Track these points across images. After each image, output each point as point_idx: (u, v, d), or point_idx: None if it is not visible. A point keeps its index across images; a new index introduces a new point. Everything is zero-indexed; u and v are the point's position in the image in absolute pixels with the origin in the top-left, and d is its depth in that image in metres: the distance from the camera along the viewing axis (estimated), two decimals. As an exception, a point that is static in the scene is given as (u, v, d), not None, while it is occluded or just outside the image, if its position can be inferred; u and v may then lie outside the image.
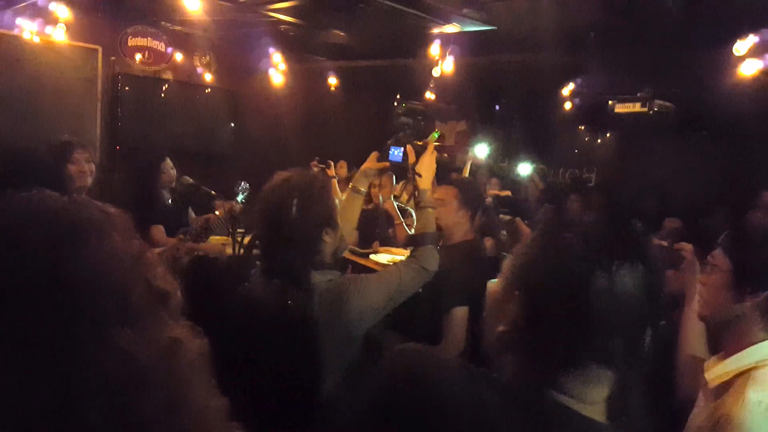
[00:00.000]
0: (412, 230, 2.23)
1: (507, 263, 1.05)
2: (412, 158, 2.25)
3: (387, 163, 2.17)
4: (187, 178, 4.30)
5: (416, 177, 2.20)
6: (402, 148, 2.10)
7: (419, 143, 3.06)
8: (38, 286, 0.55)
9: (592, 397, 0.93)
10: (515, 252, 1.05)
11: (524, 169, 7.00)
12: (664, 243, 2.22)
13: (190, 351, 0.63)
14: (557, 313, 0.90)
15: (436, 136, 3.10)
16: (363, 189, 2.16)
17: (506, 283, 1.00)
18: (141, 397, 0.56)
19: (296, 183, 1.80)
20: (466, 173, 5.41)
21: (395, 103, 2.60)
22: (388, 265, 3.54)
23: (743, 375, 1.40)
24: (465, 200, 2.83)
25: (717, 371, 1.46)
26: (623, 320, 0.90)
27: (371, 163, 2.17)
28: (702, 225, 4.63)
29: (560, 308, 0.90)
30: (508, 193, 2.75)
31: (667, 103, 5.54)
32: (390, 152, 2.11)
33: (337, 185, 5.18)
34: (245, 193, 4.87)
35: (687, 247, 2.02)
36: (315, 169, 5.35)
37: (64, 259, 0.56)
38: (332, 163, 5.23)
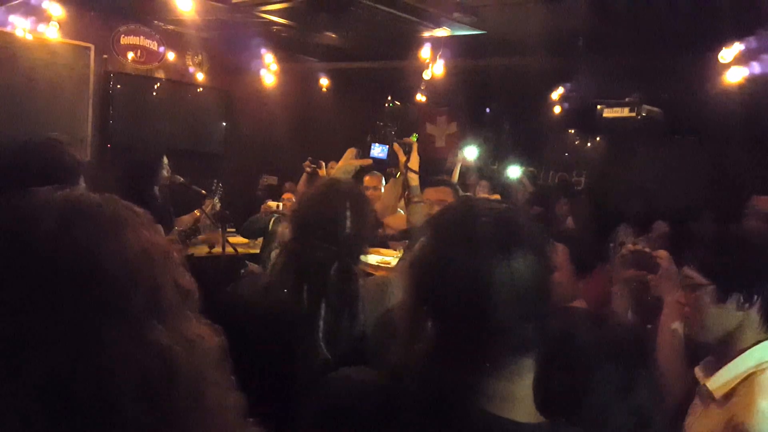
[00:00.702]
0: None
1: (401, 274, 1.00)
2: (402, 157, 2.27)
3: (370, 160, 2.18)
4: (178, 177, 4.31)
5: (409, 174, 2.22)
6: (386, 146, 2.10)
7: (399, 142, 3.10)
8: (82, 280, 0.56)
9: (518, 391, 0.90)
10: (407, 259, 1.00)
11: (514, 171, 7.06)
12: (647, 249, 2.26)
13: (211, 348, 0.64)
14: (462, 312, 0.87)
15: (414, 139, 3.14)
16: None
17: (408, 296, 0.96)
18: (172, 391, 0.58)
19: (346, 191, 1.78)
20: (456, 175, 5.46)
21: (387, 104, 2.62)
22: (378, 266, 3.58)
23: (747, 380, 1.41)
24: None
25: (720, 380, 1.46)
26: (527, 304, 0.87)
27: (349, 161, 2.18)
28: (688, 229, 4.69)
29: (464, 307, 0.87)
30: (497, 196, 2.78)
31: (655, 109, 5.61)
32: (371, 148, 2.11)
33: None
34: (220, 193, 4.89)
35: (663, 255, 2.03)
36: (307, 169, 5.38)
37: (106, 253, 0.57)
38: (324, 163, 5.25)
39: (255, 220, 4.79)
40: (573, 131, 8.20)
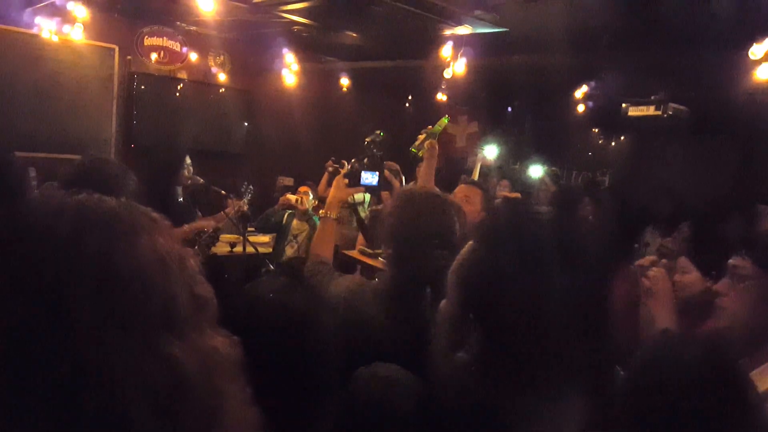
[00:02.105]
0: None
1: (450, 279, 0.95)
2: (395, 183, 2.30)
3: (362, 188, 2.19)
4: (198, 178, 4.34)
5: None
6: (376, 173, 2.13)
7: (431, 128, 3.09)
8: (94, 287, 0.54)
9: (564, 414, 0.84)
10: (456, 265, 0.96)
11: (535, 171, 6.97)
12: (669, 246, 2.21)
13: (228, 361, 0.62)
14: (512, 326, 0.81)
15: (446, 121, 3.12)
16: (335, 215, 2.17)
17: (455, 302, 0.92)
18: (185, 406, 0.56)
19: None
20: (476, 175, 5.42)
21: (378, 132, 2.64)
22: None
23: None
24: (488, 202, 2.86)
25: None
26: (581, 324, 0.81)
27: (343, 191, 2.20)
28: (717, 230, 4.59)
29: (514, 321, 0.81)
30: (517, 195, 2.74)
31: (682, 107, 5.49)
32: (362, 178, 2.12)
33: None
34: (249, 195, 4.93)
35: (658, 273, 1.96)
36: (329, 169, 5.39)
37: (120, 259, 0.56)
38: (346, 163, 5.26)
39: (270, 214, 4.81)
40: (597, 130, 8.08)
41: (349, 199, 5.32)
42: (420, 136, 3.03)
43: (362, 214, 5.32)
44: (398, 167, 3.37)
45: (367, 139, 2.38)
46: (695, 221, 4.91)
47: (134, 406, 0.53)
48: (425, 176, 3.23)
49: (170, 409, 0.55)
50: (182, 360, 0.56)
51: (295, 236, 4.36)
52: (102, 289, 0.54)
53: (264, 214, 4.87)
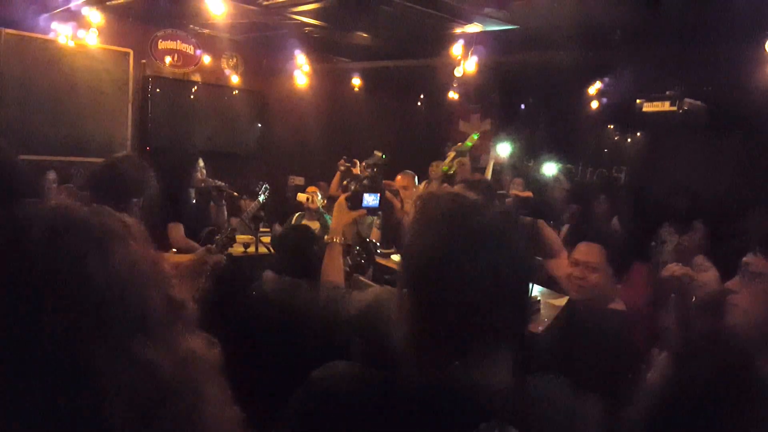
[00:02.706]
0: None
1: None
2: (397, 203, 2.31)
3: (364, 211, 2.20)
4: (210, 180, 4.38)
5: (405, 218, 2.24)
6: (377, 194, 2.15)
7: (460, 145, 3.11)
8: (68, 292, 0.54)
9: (495, 382, 0.90)
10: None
11: (549, 169, 6.92)
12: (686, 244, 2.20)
13: (206, 362, 0.63)
14: (443, 297, 0.89)
15: (476, 137, 3.13)
16: (340, 240, 2.17)
17: (399, 283, 0.99)
18: (162, 408, 0.56)
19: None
20: (489, 173, 5.38)
21: (379, 154, 2.66)
22: None
23: None
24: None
25: None
26: (504, 295, 0.89)
27: (346, 214, 2.21)
28: (734, 228, 4.52)
29: (444, 292, 0.88)
30: (528, 194, 2.73)
31: (698, 102, 5.41)
32: (364, 200, 2.14)
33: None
34: (265, 194, 4.95)
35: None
36: (341, 167, 5.41)
37: (93, 265, 0.56)
38: (358, 162, 5.29)
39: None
40: (612, 127, 7.99)
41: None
42: (450, 153, 3.04)
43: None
44: (398, 187, 3.37)
45: (366, 162, 2.42)
46: (712, 219, 4.84)
47: (111, 409, 0.53)
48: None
49: (147, 411, 0.55)
50: (158, 363, 0.56)
51: None
52: (75, 296, 0.54)
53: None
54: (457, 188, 3.27)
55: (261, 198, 4.93)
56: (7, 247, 0.56)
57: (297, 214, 4.58)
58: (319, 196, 4.56)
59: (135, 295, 0.58)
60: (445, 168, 3.00)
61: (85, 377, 0.53)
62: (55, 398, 0.52)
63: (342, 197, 2.27)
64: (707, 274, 3.30)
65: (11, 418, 0.51)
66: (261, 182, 5.01)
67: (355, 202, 2.18)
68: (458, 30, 4.66)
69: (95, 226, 0.60)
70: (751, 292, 1.50)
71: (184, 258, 3.50)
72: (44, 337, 0.52)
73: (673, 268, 2.22)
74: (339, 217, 2.20)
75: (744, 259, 1.61)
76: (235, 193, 4.38)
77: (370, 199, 2.16)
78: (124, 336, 0.56)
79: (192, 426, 0.58)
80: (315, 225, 4.36)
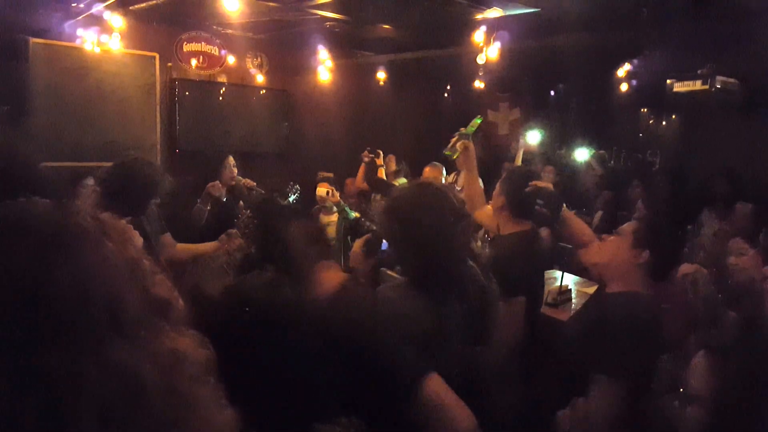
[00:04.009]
0: None
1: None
2: None
3: (375, 260, 2.27)
4: (241, 178, 4.41)
5: None
6: None
7: (463, 129, 3.05)
8: (24, 296, 0.52)
9: None
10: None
11: (581, 154, 6.78)
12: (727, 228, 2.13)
13: (194, 363, 0.59)
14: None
15: (479, 121, 3.07)
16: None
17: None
18: (138, 412, 0.53)
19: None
20: (519, 161, 5.31)
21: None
22: None
23: None
24: (500, 187, 2.77)
25: None
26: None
27: (364, 263, 2.27)
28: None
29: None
30: (548, 185, 2.65)
31: (731, 80, 5.20)
32: (384, 243, 2.19)
33: (384, 175, 5.22)
34: (296, 194, 4.96)
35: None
36: (365, 159, 5.41)
37: (49, 267, 0.53)
38: (381, 153, 5.29)
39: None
40: (645, 110, 7.78)
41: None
42: (453, 138, 2.98)
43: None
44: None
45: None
46: (753, 201, 4.65)
47: (83, 418, 0.50)
48: (467, 181, 3.16)
49: (121, 415, 0.52)
50: (131, 363, 0.53)
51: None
52: (32, 296, 0.51)
53: None
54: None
55: (291, 198, 4.94)
56: None
57: (314, 209, 4.59)
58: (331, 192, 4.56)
59: (105, 295, 0.55)
60: (447, 152, 2.94)
61: (50, 380, 0.50)
62: (8, 401, 0.49)
63: (357, 245, 2.25)
64: (745, 258, 3.18)
65: None
66: (291, 183, 5.03)
67: (371, 248, 2.17)
68: (479, 16, 4.57)
69: (52, 226, 0.57)
70: None
71: (205, 247, 3.52)
72: (5, 340, 0.50)
73: (684, 269, 2.15)
74: (355, 266, 2.22)
75: None
76: (263, 192, 4.40)
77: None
78: (89, 337, 0.53)
79: (177, 429, 0.55)
80: (332, 219, 4.36)
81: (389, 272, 2.71)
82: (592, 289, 3.70)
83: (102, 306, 0.54)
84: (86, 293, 0.54)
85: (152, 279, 0.62)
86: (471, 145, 2.91)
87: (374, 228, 2.32)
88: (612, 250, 2.23)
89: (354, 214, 4.38)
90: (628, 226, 2.22)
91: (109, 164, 2.80)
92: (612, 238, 2.30)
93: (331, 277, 1.79)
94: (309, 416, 1.06)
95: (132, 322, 0.56)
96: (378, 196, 5.57)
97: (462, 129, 2.99)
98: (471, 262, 1.90)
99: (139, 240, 0.61)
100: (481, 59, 4.37)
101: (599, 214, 5.97)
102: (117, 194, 2.58)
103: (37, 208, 0.59)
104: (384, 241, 2.14)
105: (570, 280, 4.17)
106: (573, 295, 3.93)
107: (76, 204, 0.63)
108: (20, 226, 0.56)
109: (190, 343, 0.61)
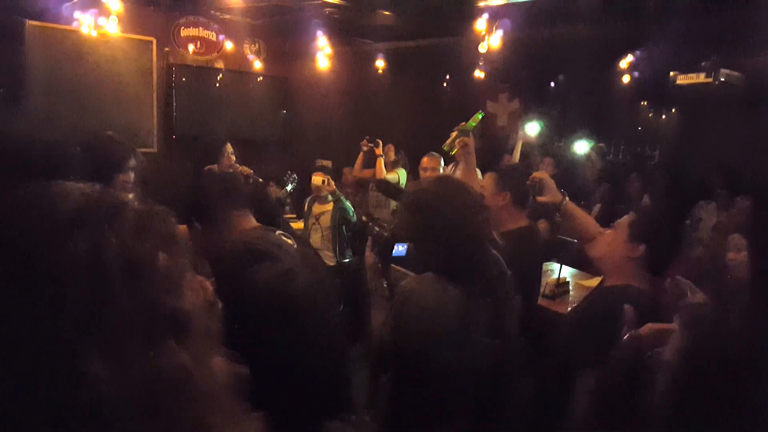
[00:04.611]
0: None
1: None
2: None
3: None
4: (238, 166, 4.36)
5: None
6: (405, 245, 2.24)
7: (463, 124, 3.00)
8: (72, 284, 0.48)
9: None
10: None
11: (581, 147, 6.74)
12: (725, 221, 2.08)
13: (207, 382, 0.54)
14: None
15: (480, 117, 3.02)
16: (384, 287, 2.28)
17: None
18: (182, 415, 0.50)
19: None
20: (517, 153, 5.26)
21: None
22: None
23: None
24: (503, 184, 2.72)
25: None
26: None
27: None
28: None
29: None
30: (544, 174, 2.61)
31: (735, 73, 5.15)
32: (395, 250, 2.23)
33: (383, 164, 5.18)
34: (294, 183, 4.92)
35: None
36: (364, 148, 5.37)
37: (108, 257, 0.50)
38: (380, 142, 5.25)
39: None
40: (645, 103, 7.73)
41: (390, 178, 5.27)
42: (452, 134, 2.92)
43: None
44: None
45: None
46: (754, 196, 4.61)
47: (125, 415, 0.47)
48: (465, 177, 3.11)
49: (166, 417, 0.49)
50: (180, 366, 0.50)
51: (317, 218, 4.37)
52: (88, 286, 0.48)
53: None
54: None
55: (289, 187, 4.90)
56: (33, 227, 0.50)
57: (308, 199, 4.55)
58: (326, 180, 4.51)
59: (81, 298, 0.49)
60: (446, 148, 2.89)
61: (85, 380, 0.47)
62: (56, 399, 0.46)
63: (368, 252, 2.25)
64: (742, 254, 3.15)
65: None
66: (289, 171, 4.99)
67: (385, 250, 2.18)
68: (481, 3, 4.51)
69: (114, 205, 0.54)
70: None
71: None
72: (41, 333, 0.46)
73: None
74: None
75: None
76: (261, 180, 4.35)
77: (400, 249, 2.18)
78: (123, 341, 0.49)
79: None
80: (327, 208, 4.33)
81: (400, 269, 2.69)
82: (591, 282, 3.68)
83: (72, 311, 0.48)
84: (132, 292, 0.50)
85: (167, 286, 0.55)
86: (471, 141, 2.86)
87: (382, 229, 2.31)
88: (608, 243, 2.20)
89: (349, 204, 4.35)
90: (624, 220, 2.19)
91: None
92: (608, 231, 2.27)
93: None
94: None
95: (181, 324, 0.53)
96: (374, 186, 5.53)
97: (462, 123, 2.92)
98: (494, 251, 1.90)
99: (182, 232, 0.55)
100: (483, 48, 4.31)
101: (597, 207, 5.94)
102: (80, 168, 2.51)
103: (109, 195, 0.55)
104: (396, 244, 2.16)
105: (568, 273, 4.15)
106: (571, 288, 3.91)
107: (96, 187, 0.57)
108: (91, 209, 0.52)
109: (221, 360, 0.58)
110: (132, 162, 2.74)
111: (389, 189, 4.32)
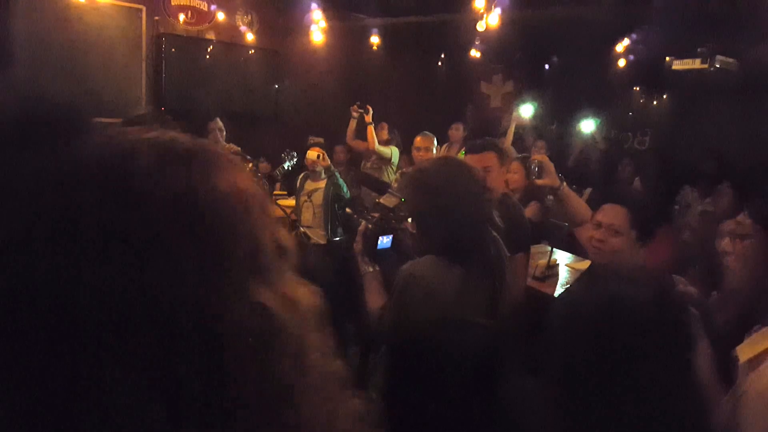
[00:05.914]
0: None
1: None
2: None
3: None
4: (226, 144, 4.30)
5: None
6: (390, 236, 2.17)
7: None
8: (180, 224, 0.48)
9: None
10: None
11: (587, 126, 6.70)
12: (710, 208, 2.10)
13: (310, 311, 0.58)
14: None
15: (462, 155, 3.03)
16: (374, 268, 2.15)
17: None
18: (275, 355, 0.52)
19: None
20: (510, 135, 5.23)
21: (401, 198, 2.57)
22: None
23: None
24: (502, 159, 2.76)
25: (745, 346, 1.30)
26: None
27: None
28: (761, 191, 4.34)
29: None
30: (542, 157, 2.63)
31: (730, 59, 5.15)
32: (380, 242, 2.15)
33: (374, 133, 5.15)
34: (293, 161, 4.86)
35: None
36: (354, 114, 5.33)
37: (206, 201, 0.51)
38: (370, 109, 5.22)
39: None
40: (638, 88, 7.72)
41: (383, 154, 5.22)
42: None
43: (391, 176, 5.23)
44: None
45: (380, 200, 2.34)
46: (741, 183, 4.65)
47: (231, 352, 0.48)
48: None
49: (262, 357, 0.50)
50: (272, 307, 0.52)
51: (309, 195, 4.32)
52: (188, 226, 0.48)
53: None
54: None
55: (287, 165, 4.84)
56: (115, 170, 0.49)
57: (301, 176, 4.49)
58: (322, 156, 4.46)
59: (248, 234, 0.52)
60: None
61: (207, 318, 0.48)
62: (174, 338, 0.46)
63: (357, 246, 2.20)
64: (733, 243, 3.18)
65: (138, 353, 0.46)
66: (288, 149, 4.93)
67: (369, 242, 2.12)
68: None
69: (202, 158, 0.53)
70: (738, 253, 1.43)
71: None
72: (159, 277, 0.46)
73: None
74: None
75: (737, 218, 1.55)
76: (248, 157, 4.27)
77: (385, 241, 2.14)
78: (239, 277, 0.51)
79: (302, 377, 0.54)
80: (320, 185, 4.29)
81: None
82: (584, 265, 3.70)
83: (245, 246, 0.52)
84: (232, 229, 0.51)
85: (277, 224, 0.58)
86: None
87: (367, 222, 2.27)
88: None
89: (342, 181, 4.31)
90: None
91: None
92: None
93: None
94: None
95: (267, 266, 0.54)
96: (368, 164, 5.49)
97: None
98: (494, 233, 1.90)
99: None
100: (481, 26, 4.26)
101: (588, 191, 5.96)
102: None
103: (183, 142, 0.54)
104: (380, 237, 2.12)
105: (560, 255, 4.18)
106: (563, 271, 3.93)
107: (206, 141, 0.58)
108: (172, 153, 0.52)
109: (307, 292, 0.59)
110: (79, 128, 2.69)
111: (371, 182, 4.30)
